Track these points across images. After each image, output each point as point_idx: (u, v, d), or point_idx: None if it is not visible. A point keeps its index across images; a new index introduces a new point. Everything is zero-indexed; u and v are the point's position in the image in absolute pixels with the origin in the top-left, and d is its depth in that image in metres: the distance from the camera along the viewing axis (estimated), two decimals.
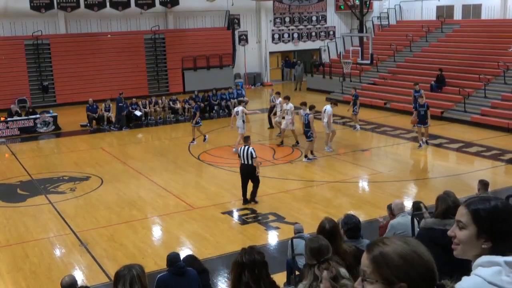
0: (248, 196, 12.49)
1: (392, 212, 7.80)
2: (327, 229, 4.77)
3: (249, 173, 12.30)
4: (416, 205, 7.75)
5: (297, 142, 17.59)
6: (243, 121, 17.11)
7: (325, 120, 16.86)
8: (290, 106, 17.62)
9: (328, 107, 16.87)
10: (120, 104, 21.49)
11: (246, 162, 12.21)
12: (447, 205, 4.71)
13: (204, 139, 18.53)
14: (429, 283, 1.86)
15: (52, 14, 26.85)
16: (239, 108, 17.46)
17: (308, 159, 15.91)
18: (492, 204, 2.27)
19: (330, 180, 14.27)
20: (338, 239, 4.74)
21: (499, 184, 13.03)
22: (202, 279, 6.82)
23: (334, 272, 3.90)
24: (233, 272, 3.99)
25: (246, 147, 12.29)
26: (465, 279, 2.18)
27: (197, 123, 18.17)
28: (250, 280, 3.88)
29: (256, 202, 12.47)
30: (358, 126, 19.94)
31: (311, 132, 15.70)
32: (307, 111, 16.29)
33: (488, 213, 2.25)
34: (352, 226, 6.26)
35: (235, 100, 23.98)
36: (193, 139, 18.43)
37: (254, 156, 12.14)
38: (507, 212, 2.24)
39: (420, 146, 16.79)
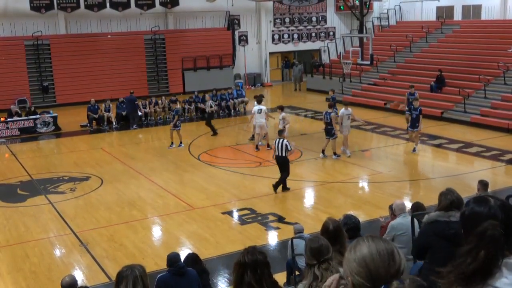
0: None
1: (394, 212, 7.77)
2: (331, 230, 4.75)
3: (281, 164, 13.25)
4: (416, 206, 7.76)
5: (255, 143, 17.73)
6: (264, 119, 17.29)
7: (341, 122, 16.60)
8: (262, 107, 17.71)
9: (342, 110, 16.64)
10: (136, 102, 22.08)
11: (280, 154, 13.13)
12: (451, 199, 4.74)
13: (171, 145, 18.05)
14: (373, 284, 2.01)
15: (52, 14, 26.85)
16: (263, 107, 17.59)
17: (336, 155, 16.12)
18: (464, 210, 2.35)
19: (330, 180, 14.28)
20: (342, 239, 4.73)
21: (499, 185, 13.03)
22: (202, 280, 6.82)
23: (334, 272, 3.90)
24: (235, 272, 3.99)
25: (281, 140, 13.15)
26: None
27: (176, 126, 17.87)
28: (252, 280, 3.87)
29: (288, 189, 13.37)
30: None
31: (334, 130, 15.90)
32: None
33: (463, 217, 2.37)
34: (351, 226, 6.28)
35: (236, 100, 24.03)
36: (180, 142, 18.10)
37: (289, 148, 13.12)
38: (473, 219, 2.31)
39: (414, 150, 16.61)
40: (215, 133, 19.77)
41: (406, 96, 19.34)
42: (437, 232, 4.70)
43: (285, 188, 13.37)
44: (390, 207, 8.42)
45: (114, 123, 22.21)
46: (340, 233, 4.78)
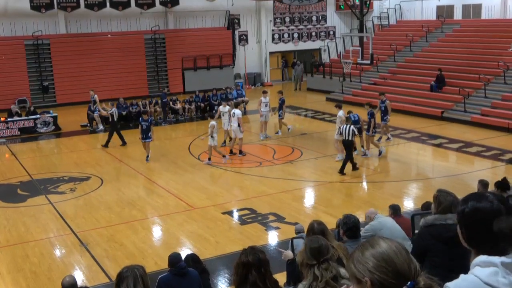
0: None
1: (368, 219, 8.03)
2: (317, 229, 4.85)
3: (347, 147, 14.60)
4: (427, 205, 7.80)
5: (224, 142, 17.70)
6: (239, 124, 16.62)
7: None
8: (227, 108, 17.52)
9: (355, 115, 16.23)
10: (164, 100, 22.80)
11: (347, 138, 14.49)
12: (451, 201, 4.71)
13: (147, 158, 16.55)
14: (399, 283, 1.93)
15: (52, 14, 26.85)
16: (237, 111, 17.01)
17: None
18: (464, 207, 2.32)
19: (330, 180, 14.27)
20: (329, 239, 4.81)
21: None
22: (202, 280, 6.80)
23: (334, 272, 3.91)
24: (237, 273, 3.98)
25: (348, 125, 14.59)
26: (462, 277, 2.20)
27: (149, 137, 16.53)
28: (257, 279, 3.88)
29: (343, 174, 14.50)
30: (290, 127, 19.49)
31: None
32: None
33: (462, 215, 2.32)
34: (351, 226, 6.30)
35: (235, 100, 24.01)
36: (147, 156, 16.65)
37: (356, 133, 14.69)
38: (475, 216, 2.29)
39: (364, 154, 16.18)
40: (106, 145, 18.34)
41: (378, 105, 18.13)
42: (435, 236, 4.68)
43: (343, 172, 14.56)
44: (390, 207, 8.57)
45: (98, 126, 21.46)
46: (326, 232, 4.88)
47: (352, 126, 14.58)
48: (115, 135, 18.48)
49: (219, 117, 17.51)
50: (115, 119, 18.68)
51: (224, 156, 16.25)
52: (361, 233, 7.74)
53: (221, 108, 17.93)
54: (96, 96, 21.26)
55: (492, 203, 2.31)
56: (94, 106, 21.21)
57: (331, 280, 3.83)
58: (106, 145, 18.39)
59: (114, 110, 18.81)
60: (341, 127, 14.87)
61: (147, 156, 16.55)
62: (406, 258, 1.94)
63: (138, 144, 19.72)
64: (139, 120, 17.29)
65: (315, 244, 4.05)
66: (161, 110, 23.18)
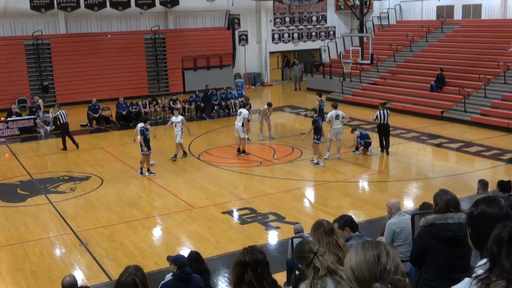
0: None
1: (389, 211, 7.78)
2: (327, 227, 4.83)
3: (385, 130, 16.08)
4: (425, 206, 7.75)
5: (185, 153, 16.87)
6: (243, 124, 16.74)
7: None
8: (180, 118, 16.66)
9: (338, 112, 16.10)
10: (211, 95, 23.40)
11: (383, 122, 15.87)
12: (447, 200, 4.69)
13: (141, 172, 15.12)
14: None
15: (52, 14, 26.85)
16: (244, 111, 17.02)
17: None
18: (473, 209, 2.36)
19: (330, 180, 14.27)
20: (338, 238, 4.81)
21: None
22: (204, 281, 6.68)
23: (330, 259, 3.96)
24: (235, 271, 3.99)
25: (384, 110, 15.92)
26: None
27: (150, 148, 15.06)
28: (253, 279, 3.88)
29: (387, 153, 16.08)
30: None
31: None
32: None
33: (471, 217, 2.39)
34: (349, 218, 6.37)
35: (236, 100, 24.00)
36: (141, 170, 15.16)
37: (389, 114, 16.03)
38: (482, 219, 2.34)
39: (317, 163, 15.37)
40: (65, 147, 18.22)
41: (318, 105, 18.01)
42: (435, 235, 4.66)
43: (387, 150, 16.08)
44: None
45: (39, 130, 21.10)
46: (335, 231, 4.90)
47: (388, 111, 15.96)
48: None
49: (172, 126, 16.62)
50: (62, 122, 18.39)
51: (141, 170, 15.16)
52: (384, 236, 7.61)
53: (173, 118, 16.75)
54: (40, 101, 21.39)
55: (501, 209, 2.32)
56: (38, 111, 21.29)
57: (330, 264, 3.87)
58: (64, 148, 18.32)
59: (59, 112, 18.44)
60: (377, 112, 15.93)
61: (143, 169, 15.17)
62: (370, 265, 2.09)
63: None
64: (141, 130, 14.79)
65: (306, 245, 4.10)
66: (161, 110, 23.18)
